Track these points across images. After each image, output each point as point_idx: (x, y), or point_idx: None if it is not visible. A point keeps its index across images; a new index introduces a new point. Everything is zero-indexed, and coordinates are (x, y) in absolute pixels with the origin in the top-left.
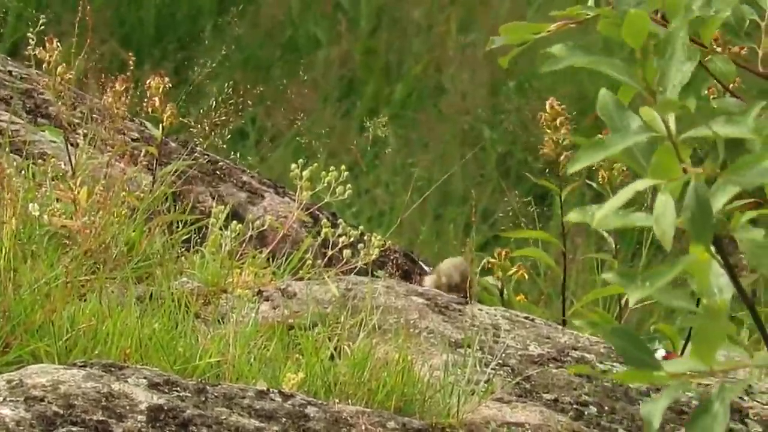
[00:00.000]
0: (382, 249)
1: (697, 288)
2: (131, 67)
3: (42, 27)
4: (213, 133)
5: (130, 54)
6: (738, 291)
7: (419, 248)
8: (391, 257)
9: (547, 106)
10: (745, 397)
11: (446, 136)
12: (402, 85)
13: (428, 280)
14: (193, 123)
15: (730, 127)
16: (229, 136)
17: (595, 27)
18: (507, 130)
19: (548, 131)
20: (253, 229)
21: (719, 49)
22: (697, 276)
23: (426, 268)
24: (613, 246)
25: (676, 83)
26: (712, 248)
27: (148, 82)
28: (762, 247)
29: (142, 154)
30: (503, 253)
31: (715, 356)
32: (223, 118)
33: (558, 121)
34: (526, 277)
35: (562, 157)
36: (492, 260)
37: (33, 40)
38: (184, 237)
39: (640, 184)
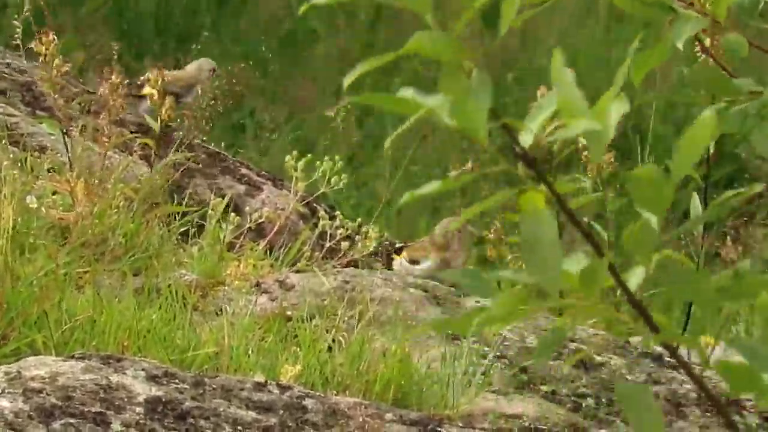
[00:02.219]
0: (379, 241)
1: None
2: (114, 56)
3: (35, 19)
4: (208, 124)
5: (113, 44)
6: None
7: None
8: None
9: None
10: None
11: (444, 129)
12: (400, 79)
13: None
14: (191, 115)
15: None
16: (228, 128)
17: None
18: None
19: None
20: (251, 221)
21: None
22: None
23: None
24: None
25: None
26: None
27: (146, 75)
28: None
29: (137, 146)
30: (498, 229)
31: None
32: (220, 110)
33: None
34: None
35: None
36: (486, 232)
37: (19, 28)
38: (182, 229)
39: None
